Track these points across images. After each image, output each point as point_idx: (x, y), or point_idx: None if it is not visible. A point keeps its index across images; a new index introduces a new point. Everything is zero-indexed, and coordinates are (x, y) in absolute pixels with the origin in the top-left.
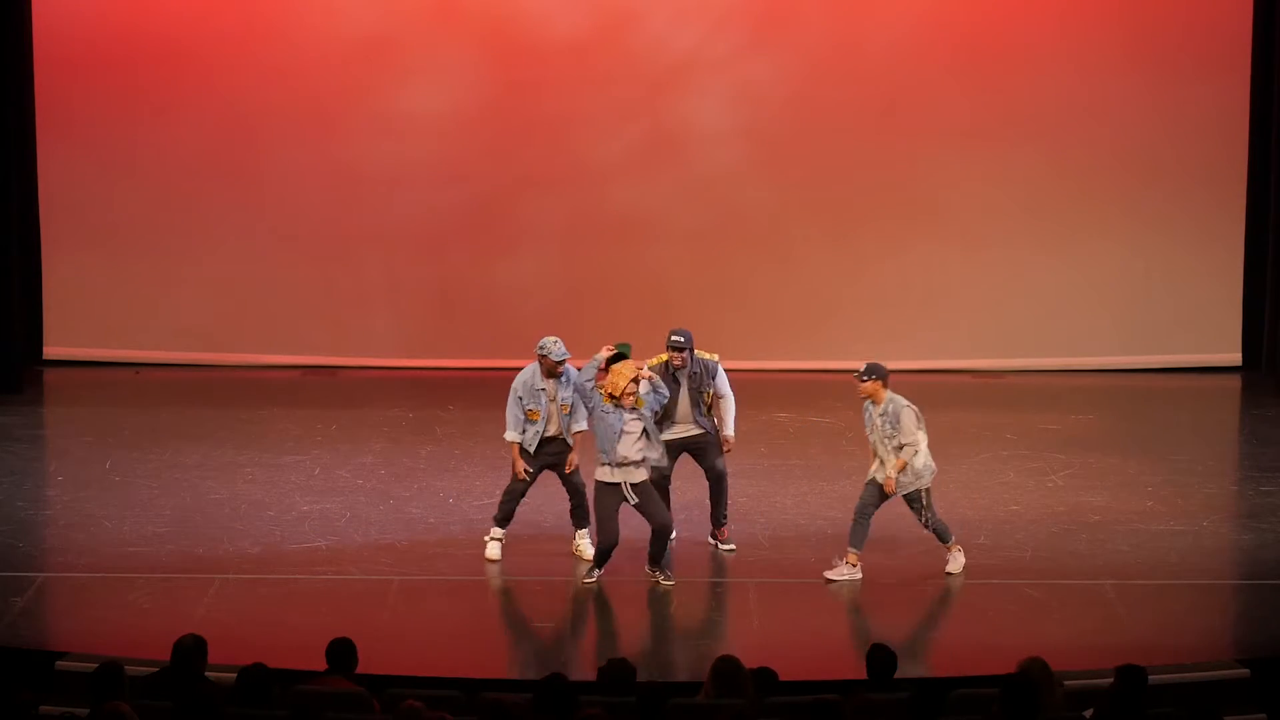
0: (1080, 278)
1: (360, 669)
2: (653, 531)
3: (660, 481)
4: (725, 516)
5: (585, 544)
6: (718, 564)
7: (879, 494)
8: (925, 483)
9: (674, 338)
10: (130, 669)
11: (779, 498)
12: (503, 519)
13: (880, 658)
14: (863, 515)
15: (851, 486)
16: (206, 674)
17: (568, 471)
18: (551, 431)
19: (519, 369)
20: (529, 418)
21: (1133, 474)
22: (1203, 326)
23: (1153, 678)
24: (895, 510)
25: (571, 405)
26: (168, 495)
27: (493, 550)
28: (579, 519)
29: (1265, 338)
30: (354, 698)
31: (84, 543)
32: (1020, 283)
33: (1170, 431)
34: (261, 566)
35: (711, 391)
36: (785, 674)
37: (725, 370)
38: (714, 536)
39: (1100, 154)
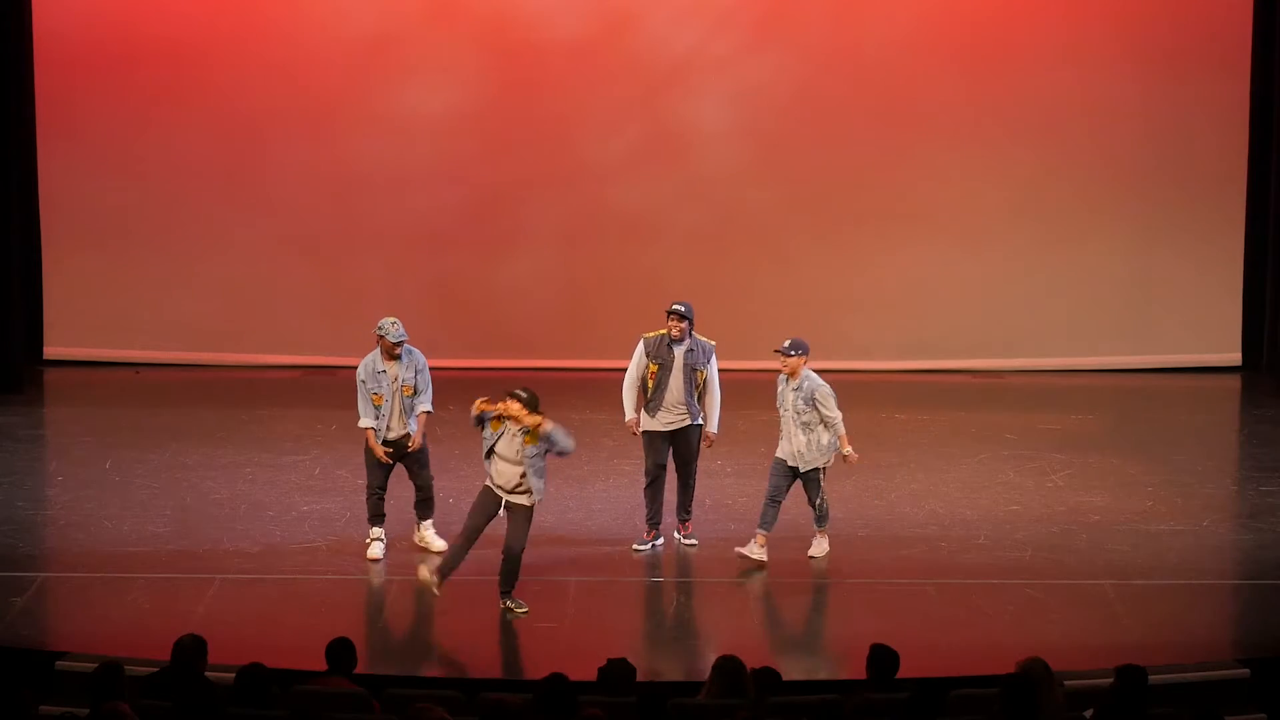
0: (1080, 278)
1: (360, 669)
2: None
3: (656, 473)
4: (690, 511)
5: (431, 534)
6: (717, 564)
7: (793, 476)
8: (828, 460)
9: (675, 305)
10: (130, 669)
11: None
12: (374, 517)
13: (880, 658)
14: (777, 500)
15: (852, 486)
16: (206, 674)
17: (411, 449)
18: (394, 419)
19: (519, 369)
20: (373, 402)
21: (1133, 474)
22: (1203, 326)
23: (1153, 678)
24: (896, 510)
25: (414, 387)
26: (168, 495)
27: (375, 550)
28: (423, 511)
29: (1265, 338)
30: (354, 698)
31: (84, 543)
32: (1020, 283)
33: (1170, 431)
34: (261, 566)
35: (704, 374)
36: (785, 674)
37: (723, 368)
38: (678, 531)
39: (1100, 154)
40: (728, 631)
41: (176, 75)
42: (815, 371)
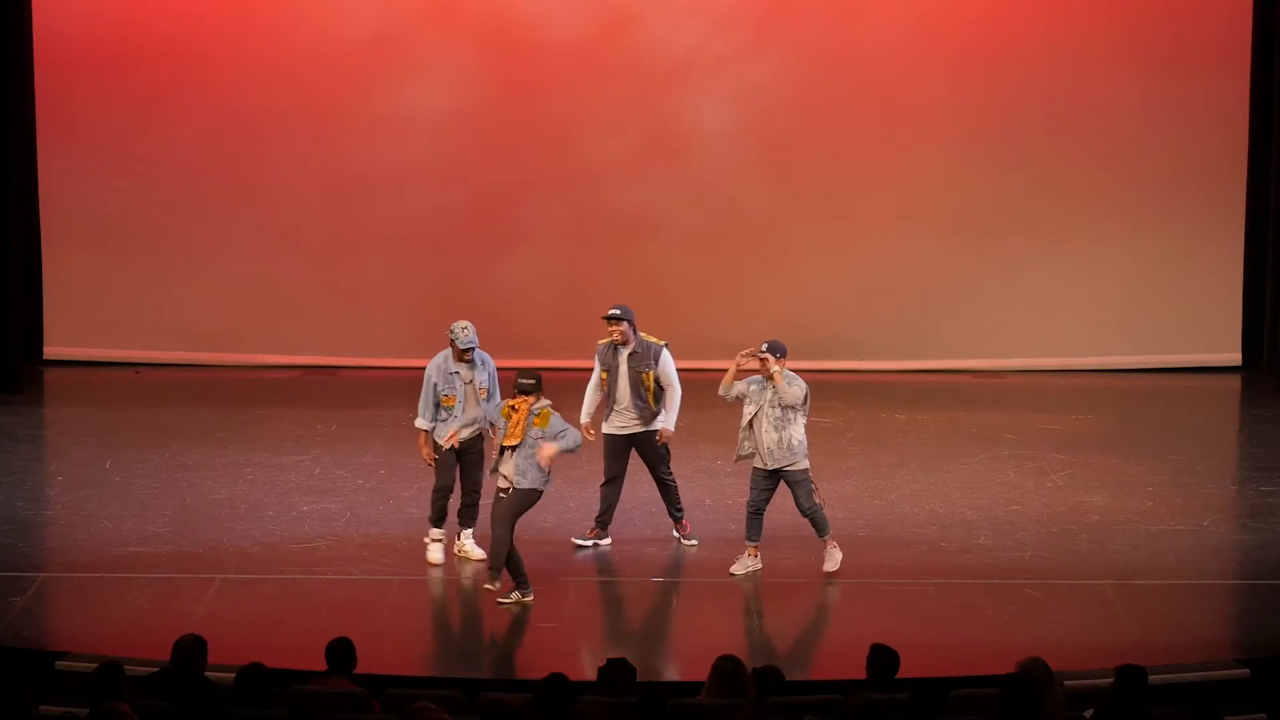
0: (1080, 278)
1: (360, 669)
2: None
3: (610, 474)
4: (680, 509)
5: (471, 545)
6: (717, 564)
7: (774, 483)
8: (806, 463)
9: (611, 310)
10: (130, 669)
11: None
12: (437, 518)
13: (880, 658)
14: (759, 511)
15: (852, 486)
16: (206, 674)
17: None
18: (469, 419)
19: (519, 368)
20: (444, 404)
21: (1133, 474)
22: (1203, 326)
23: (1153, 678)
24: (896, 510)
25: (489, 390)
26: (168, 495)
27: (435, 553)
28: (466, 518)
29: (1265, 338)
30: (354, 698)
31: (84, 543)
32: (1020, 283)
33: (1170, 431)
34: (261, 566)
35: (652, 375)
36: (785, 674)
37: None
38: (675, 531)
39: (1100, 154)
40: (728, 631)
41: (176, 75)
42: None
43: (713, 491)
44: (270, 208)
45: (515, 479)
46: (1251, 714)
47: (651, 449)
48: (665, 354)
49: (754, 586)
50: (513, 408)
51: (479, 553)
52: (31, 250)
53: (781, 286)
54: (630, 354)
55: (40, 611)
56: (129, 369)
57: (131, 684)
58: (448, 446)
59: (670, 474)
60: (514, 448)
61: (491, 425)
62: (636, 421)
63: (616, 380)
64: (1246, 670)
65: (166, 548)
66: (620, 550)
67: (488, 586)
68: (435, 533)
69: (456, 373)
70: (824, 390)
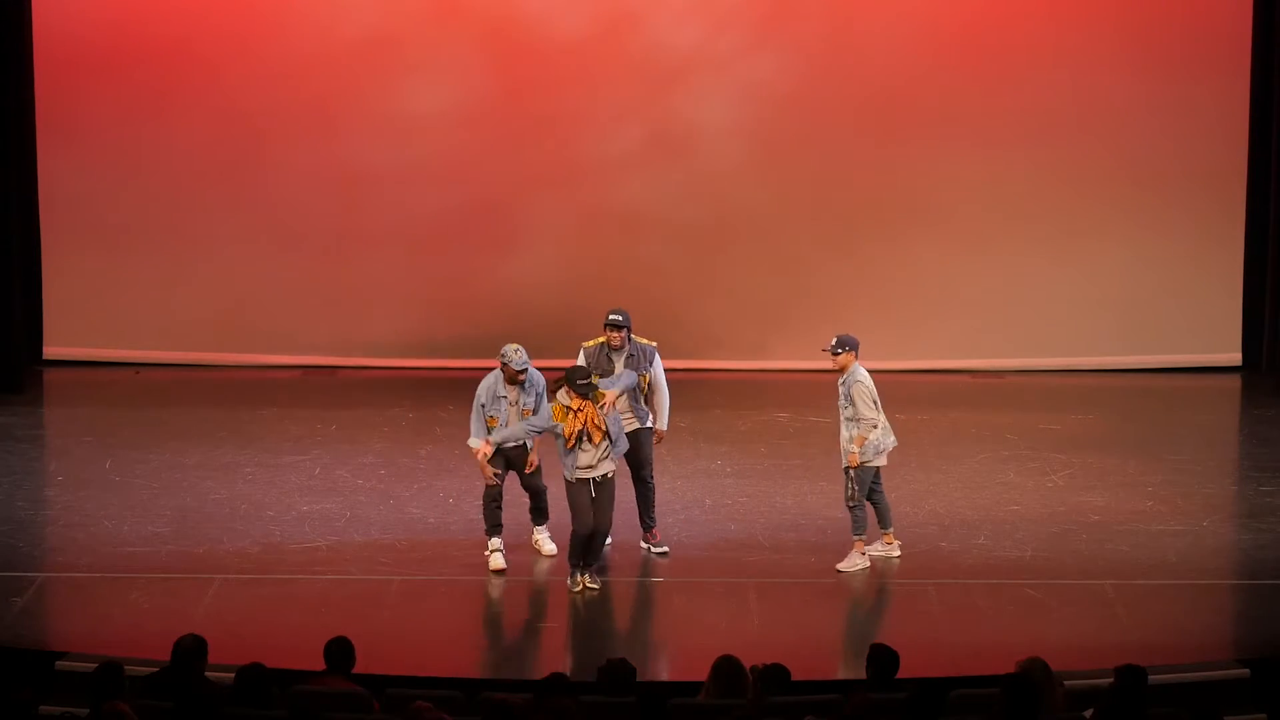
0: (1080, 278)
1: (360, 669)
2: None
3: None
4: (653, 519)
5: (544, 539)
6: (717, 564)
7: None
8: (870, 460)
9: (612, 316)
10: (130, 669)
11: (779, 498)
12: (492, 528)
13: (880, 658)
14: (862, 502)
15: None
16: (206, 674)
17: (528, 472)
18: (503, 436)
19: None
20: (489, 424)
21: (1133, 474)
22: (1203, 326)
23: (1153, 678)
24: (896, 510)
25: (534, 409)
26: (168, 495)
27: (497, 561)
28: (537, 517)
29: (1265, 338)
30: (354, 698)
31: (84, 543)
32: (1020, 283)
33: (1170, 431)
34: (261, 566)
35: (649, 377)
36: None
37: (723, 367)
38: (645, 541)
39: (1100, 154)
40: (728, 631)
41: (176, 75)
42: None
43: (713, 492)
44: (270, 207)
45: (604, 464)
46: (1251, 714)
47: (641, 449)
48: (658, 356)
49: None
50: (570, 409)
51: (551, 546)
52: (31, 250)
53: (782, 285)
54: (626, 357)
55: (40, 611)
56: (129, 369)
57: (131, 684)
58: (481, 456)
59: (652, 477)
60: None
61: (536, 435)
62: (633, 420)
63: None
64: (1246, 670)
65: (166, 548)
66: (620, 550)
67: (591, 586)
68: (493, 543)
69: (504, 396)
70: (823, 390)
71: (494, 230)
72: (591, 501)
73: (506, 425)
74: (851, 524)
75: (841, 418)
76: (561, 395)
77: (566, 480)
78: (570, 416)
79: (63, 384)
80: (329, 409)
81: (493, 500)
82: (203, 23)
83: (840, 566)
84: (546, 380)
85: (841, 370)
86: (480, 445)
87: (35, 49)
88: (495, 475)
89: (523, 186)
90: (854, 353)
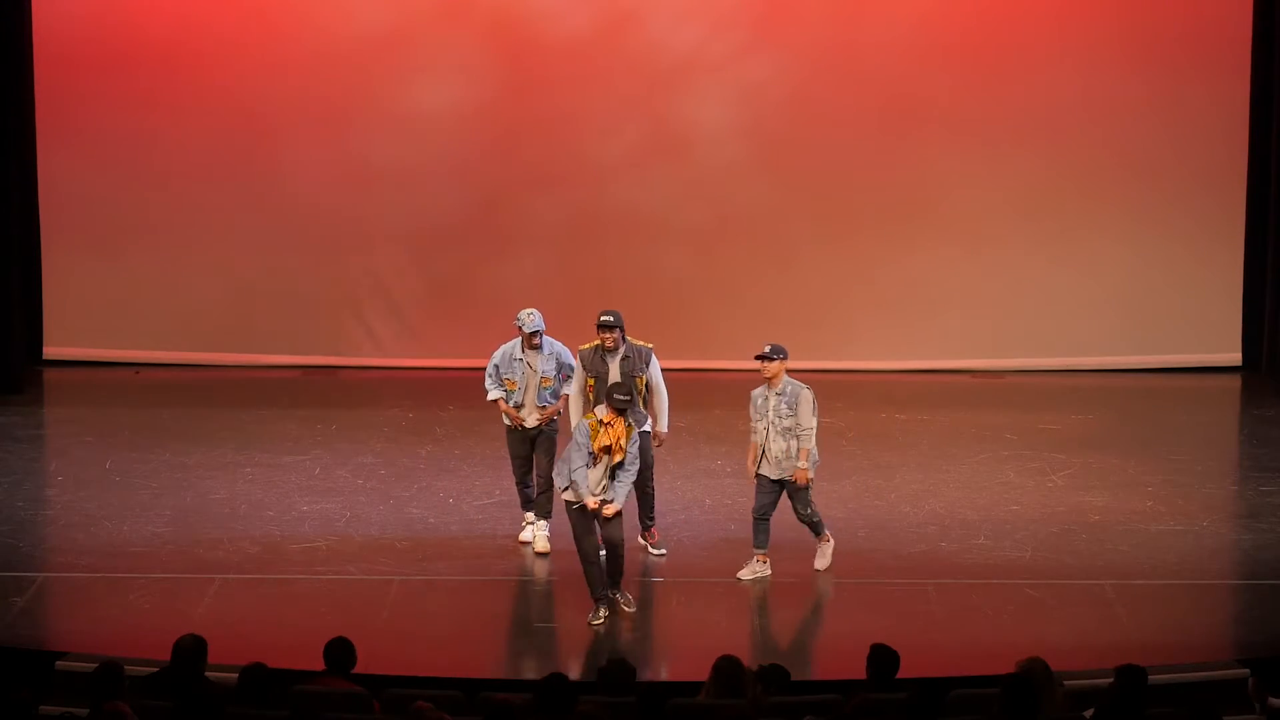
0: (1080, 278)
1: (360, 669)
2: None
3: None
4: (652, 518)
5: (542, 536)
6: (717, 564)
7: (778, 490)
8: (811, 473)
9: (603, 317)
10: (130, 669)
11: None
12: (525, 504)
13: (880, 658)
14: (765, 517)
15: (852, 486)
16: (206, 674)
17: (541, 420)
18: (528, 410)
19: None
20: (506, 386)
21: (1133, 474)
22: (1203, 326)
23: (1153, 678)
24: (896, 510)
25: (554, 379)
26: (168, 495)
27: (527, 534)
28: (542, 510)
29: (1265, 338)
30: (354, 698)
31: (84, 543)
32: (1020, 283)
33: (1170, 431)
34: (261, 566)
35: (645, 379)
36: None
37: (722, 367)
38: (642, 539)
39: (1100, 154)
40: (728, 631)
41: (177, 75)
42: (819, 372)
43: (713, 492)
44: (271, 207)
45: (614, 494)
46: (1251, 714)
47: (647, 451)
48: (654, 357)
49: (762, 591)
50: (603, 423)
51: (546, 545)
52: (31, 250)
53: (781, 285)
54: (622, 359)
55: (40, 611)
56: (129, 369)
57: (131, 684)
58: (510, 424)
59: (653, 479)
60: (611, 462)
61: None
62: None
63: (607, 385)
64: (1246, 670)
65: (166, 548)
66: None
67: (626, 609)
68: (528, 516)
69: (520, 359)
70: (824, 390)
71: (494, 230)
72: (595, 523)
73: (524, 390)
74: (812, 529)
75: (773, 429)
76: (600, 410)
77: (567, 504)
78: (602, 431)
79: (63, 384)
80: (329, 409)
81: (520, 482)
82: (203, 22)
83: (819, 565)
84: (572, 350)
85: (773, 378)
86: (499, 394)
87: (35, 49)
88: (514, 414)
89: (523, 186)
90: (785, 361)
